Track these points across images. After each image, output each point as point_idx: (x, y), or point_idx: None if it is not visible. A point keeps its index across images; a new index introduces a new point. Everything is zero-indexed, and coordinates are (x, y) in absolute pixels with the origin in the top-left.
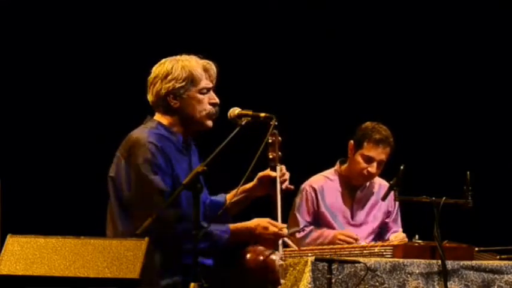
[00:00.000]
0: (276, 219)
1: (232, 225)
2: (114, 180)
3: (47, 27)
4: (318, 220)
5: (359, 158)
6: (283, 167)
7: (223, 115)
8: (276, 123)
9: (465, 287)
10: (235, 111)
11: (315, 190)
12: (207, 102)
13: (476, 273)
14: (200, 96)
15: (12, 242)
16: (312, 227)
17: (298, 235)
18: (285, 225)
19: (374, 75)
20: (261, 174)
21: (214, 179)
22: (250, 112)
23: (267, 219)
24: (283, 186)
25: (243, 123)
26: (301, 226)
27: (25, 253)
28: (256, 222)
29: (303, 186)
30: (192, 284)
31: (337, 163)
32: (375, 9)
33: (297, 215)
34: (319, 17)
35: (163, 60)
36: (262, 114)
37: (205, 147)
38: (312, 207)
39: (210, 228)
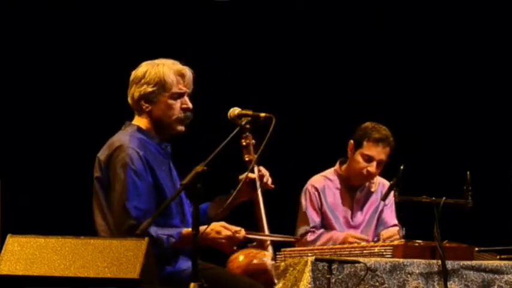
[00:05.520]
0: (260, 219)
1: (185, 230)
2: (100, 180)
3: (46, 28)
4: (322, 220)
5: (359, 158)
6: (262, 168)
7: (224, 115)
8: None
9: (465, 287)
10: (235, 111)
11: (317, 190)
12: (178, 108)
13: (476, 273)
14: (170, 102)
15: (12, 242)
16: (322, 230)
17: (308, 238)
18: (241, 228)
19: (374, 75)
20: (241, 177)
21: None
22: (250, 112)
23: (221, 223)
24: (268, 182)
25: (243, 123)
26: (310, 225)
27: (25, 253)
28: (211, 227)
29: (305, 187)
30: (192, 284)
31: (337, 163)
32: (374, 9)
33: (307, 214)
34: (317, 17)
35: (141, 64)
36: (262, 114)
37: (205, 147)
38: (317, 207)
39: (156, 232)
